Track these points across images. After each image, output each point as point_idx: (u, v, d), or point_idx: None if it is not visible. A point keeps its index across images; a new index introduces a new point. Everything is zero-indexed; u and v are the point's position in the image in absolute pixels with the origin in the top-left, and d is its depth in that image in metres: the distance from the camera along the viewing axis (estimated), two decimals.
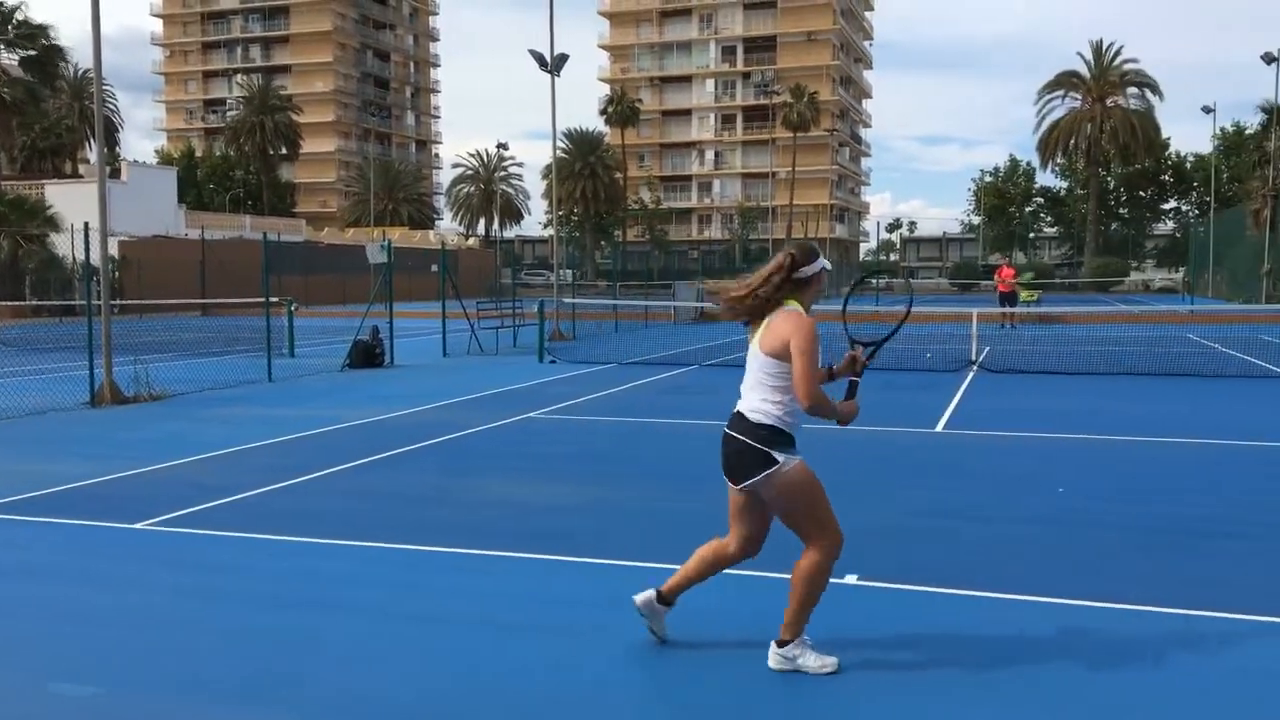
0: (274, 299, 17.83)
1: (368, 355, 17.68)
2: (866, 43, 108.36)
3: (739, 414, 4.23)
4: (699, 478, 8.35)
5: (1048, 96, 74.24)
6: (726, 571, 4.55)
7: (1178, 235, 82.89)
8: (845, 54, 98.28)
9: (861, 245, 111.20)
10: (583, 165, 79.79)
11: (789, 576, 4.23)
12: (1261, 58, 41.66)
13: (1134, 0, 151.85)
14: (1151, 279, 76.53)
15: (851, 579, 5.40)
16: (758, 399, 4.18)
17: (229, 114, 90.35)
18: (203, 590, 5.44)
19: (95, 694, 4.11)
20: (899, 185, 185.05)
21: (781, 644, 4.18)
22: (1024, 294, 32.88)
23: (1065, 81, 73.46)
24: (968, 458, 9.21)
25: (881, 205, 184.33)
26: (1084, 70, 72.72)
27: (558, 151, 33.03)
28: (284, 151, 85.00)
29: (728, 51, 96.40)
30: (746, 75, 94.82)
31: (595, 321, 28.13)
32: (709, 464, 8.88)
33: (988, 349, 19.32)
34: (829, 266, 4.37)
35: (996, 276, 30.07)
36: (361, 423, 11.20)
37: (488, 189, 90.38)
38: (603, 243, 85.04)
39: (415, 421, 11.34)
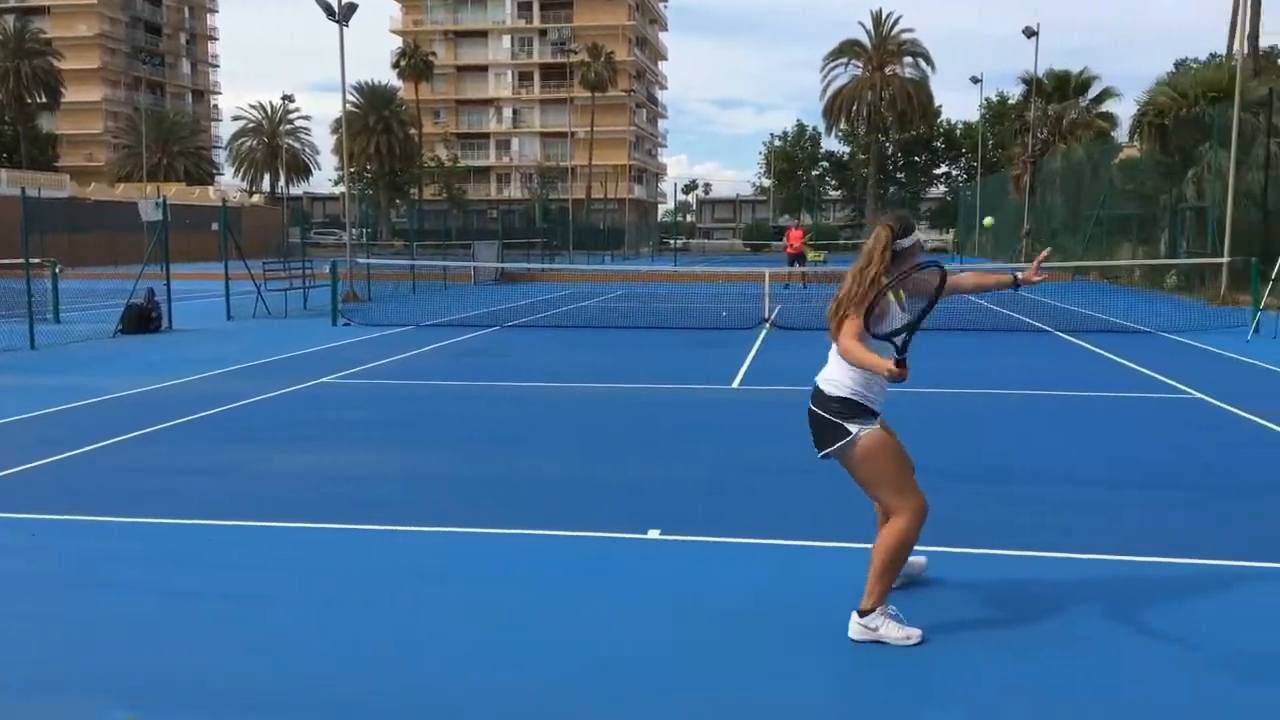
0: (35, 260, 16.43)
1: (142, 320, 16.58)
2: (661, 4, 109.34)
3: (815, 384, 4.18)
4: (503, 440, 8.32)
5: (832, 64, 77.18)
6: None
7: (948, 198, 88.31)
8: (641, 14, 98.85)
9: (660, 206, 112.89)
10: (376, 120, 77.11)
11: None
12: (1023, 31, 44.66)
13: None
14: (926, 239, 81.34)
15: (654, 534, 5.52)
16: (831, 369, 4.17)
17: None
18: None
19: None
20: (695, 147, 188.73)
21: (862, 613, 4.08)
22: (811, 254, 34.26)
23: (848, 50, 76.46)
24: (763, 412, 9.54)
25: (678, 167, 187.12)
26: (865, 39, 75.94)
27: (348, 105, 31.81)
28: (43, 100, 78.02)
29: (524, 7, 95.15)
30: (543, 32, 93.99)
31: (392, 282, 27.42)
32: (513, 426, 8.90)
33: (779, 307, 20.04)
34: (924, 242, 4.32)
35: (786, 239, 31.25)
36: (137, 392, 10.51)
37: (272, 143, 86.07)
38: (398, 201, 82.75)
39: (197, 389, 10.73)
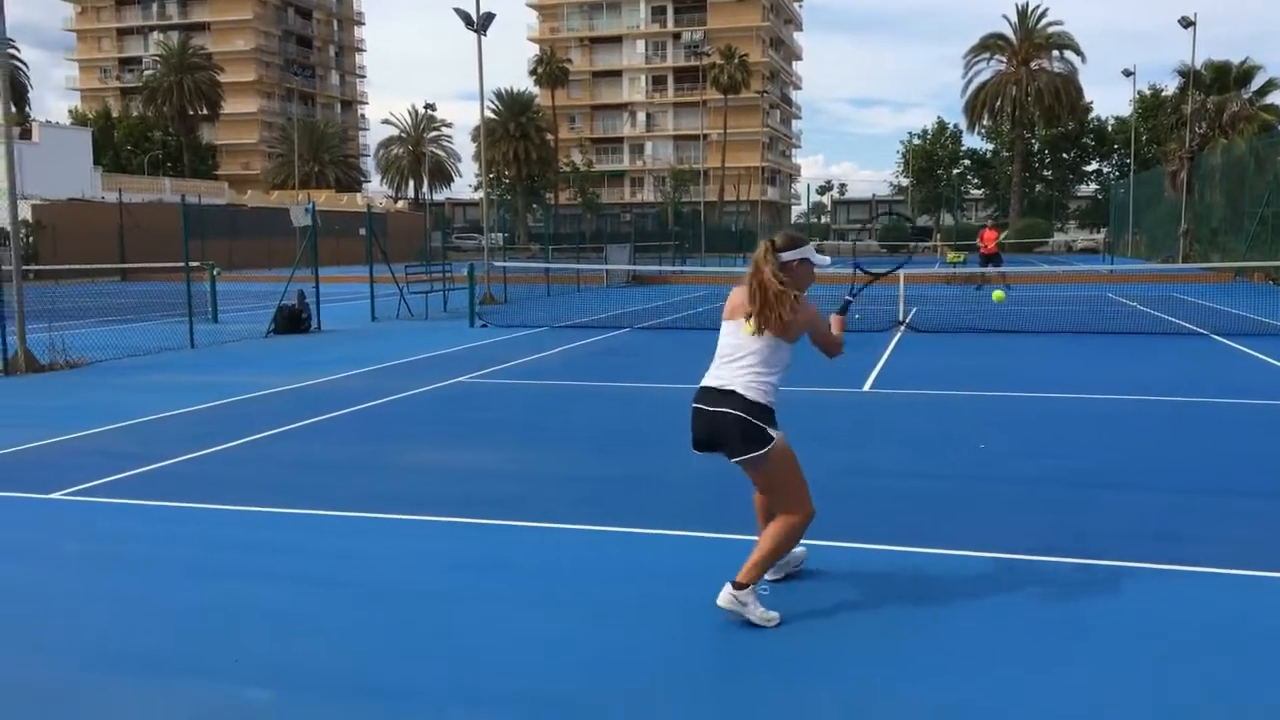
0: (195, 263, 17.40)
1: (293, 320, 17.36)
2: (796, 4, 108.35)
3: (730, 389, 4.34)
4: (631, 440, 8.40)
5: (974, 59, 74.98)
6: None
7: (1099, 197, 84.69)
8: (775, 15, 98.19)
9: (793, 208, 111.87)
10: (514, 127, 78.84)
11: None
12: (1179, 21, 42.52)
13: None
14: (1074, 240, 78.19)
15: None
16: (755, 376, 4.39)
17: (145, 73, 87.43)
18: (121, 560, 5.32)
19: (2, 669, 4.00)
20: (831, 148, 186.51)
21: (739, 586, 4.28)
22: (950, 255, 33.27)
23: (991, 44, 74.19)
24: (895, 416, 9.35)
25: (813, 168, 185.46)
26: (1010, 33, 73.49)
27: (488, 113, 32.55)
28: (204, 112, 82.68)
29: (658, 12, 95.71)
30: (677, 36, 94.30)
31: (527, 285, 27.96)
32: (641, 426, 8.95)
33: (915, 309, 19.61)
34: (816, 259, 4.53)
35: (980, 239, 30.09)
36: (286, 389, 11.01)
37: (417, 151, 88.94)
38: (534, 206, 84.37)
39: (342, 387, 11.18)
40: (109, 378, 12.13)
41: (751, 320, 4.35)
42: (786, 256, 4.42)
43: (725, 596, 4.27)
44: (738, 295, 4.52)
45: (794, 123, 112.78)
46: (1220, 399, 9.88)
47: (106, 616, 4.53)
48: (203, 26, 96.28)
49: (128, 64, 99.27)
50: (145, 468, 7.27)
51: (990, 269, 27.68)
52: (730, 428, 4.31)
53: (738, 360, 4.38)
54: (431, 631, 4.29)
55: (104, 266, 30.77)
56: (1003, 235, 29.81)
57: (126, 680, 3.87)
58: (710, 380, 4.44)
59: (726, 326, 4.48)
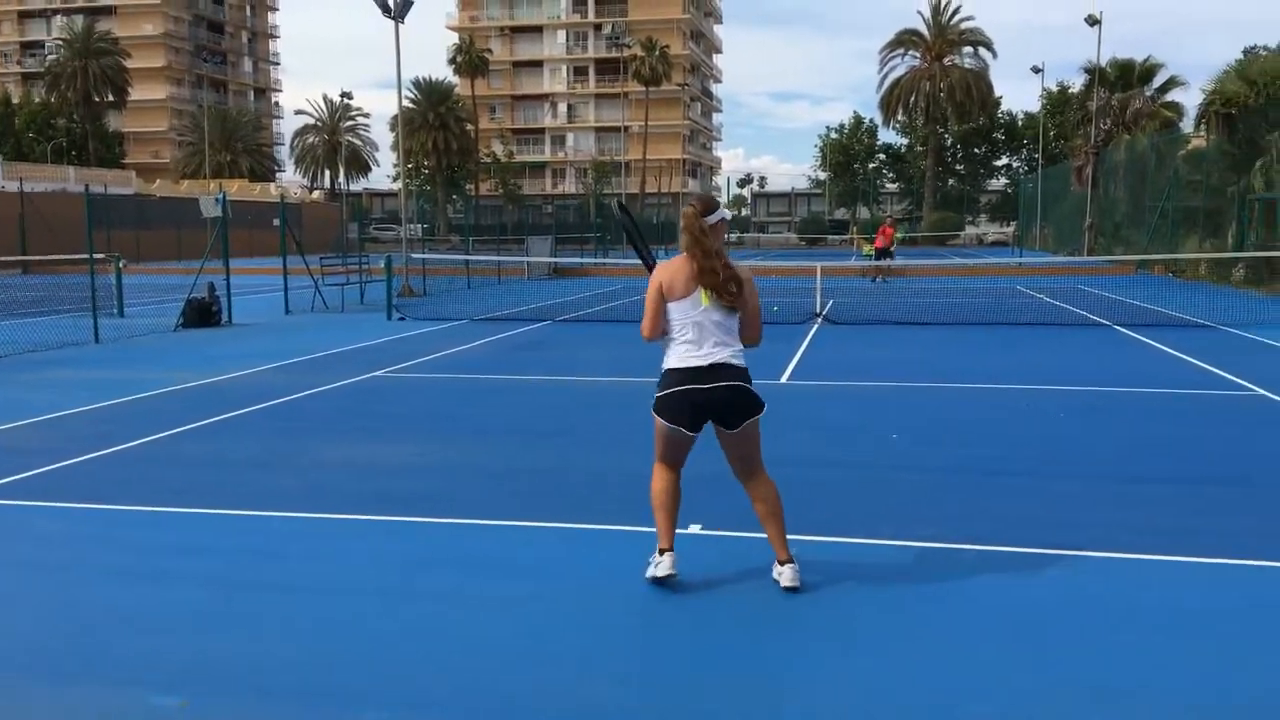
0: (100, 255, 16.87)
1: (203, 314, 16.95)
2: None
3: (729, 363, 4.47)
4: (549, 434, 8.38)
5: (890, 54, 76.41)
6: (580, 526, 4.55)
7: (1009, 191, 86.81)
8: (695, 8, 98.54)
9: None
10: (433, 116, 77.83)
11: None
12: (1085, 19, 43.78)
13: None
14: (985, 233, 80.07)
15: (695, 528, 5.52)
16: (738, 344, 4.58)
17: (48, 58, 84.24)
18: (25, 564, 5.16)
19: None
20: (751, 141, 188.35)
21: (791, 561, 4.55)
22: (865, 248, 33.99)
23: (906, 40, 75.65)
24: (811, 407, 9.50)
25: (734, 161, 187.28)
26: (924, 29, 75.02)
27: (406, 102, 32.09)
28: (110, 98, 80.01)
29: (578, 2, 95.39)
30: (598, 27, 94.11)
31: (447, 277, 27.67)
32: (560, 419, 8.95)
33: (831, 302, 19.90)
34: (728, 215, 4.74)
35: (880, 233, 31.11)
36: (195, 385, 10.75)
37: (333, 140, 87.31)
38: (454, 196, 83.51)
39: (253, 382, 10.95)
40: (9, 374, 11.71)
41: (708, 293, 4.42)
42: (712, 219, 4.52)
43: (791, 576, 4.50)
44: (675, 272, 4.48)
45: (715, 116, 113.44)
46: (1122, 387, 10.23)
47: (14, 622, 4.39)
48: (109, 10, 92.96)
49: (29, 48, 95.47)
50: (48, 467, 7.04)
51: (884, 261, 28.83)
52: (739, 398, 4.50)
53: (710, 335, 4.46)
54: (351, 631, 4.24)
55: (4, 259, 29.65)
56: (897, 232, 31.24)
57: (38, 688, 3.76)
58: (691, 360, 4.47)
59: (680, 306, 4.45)
